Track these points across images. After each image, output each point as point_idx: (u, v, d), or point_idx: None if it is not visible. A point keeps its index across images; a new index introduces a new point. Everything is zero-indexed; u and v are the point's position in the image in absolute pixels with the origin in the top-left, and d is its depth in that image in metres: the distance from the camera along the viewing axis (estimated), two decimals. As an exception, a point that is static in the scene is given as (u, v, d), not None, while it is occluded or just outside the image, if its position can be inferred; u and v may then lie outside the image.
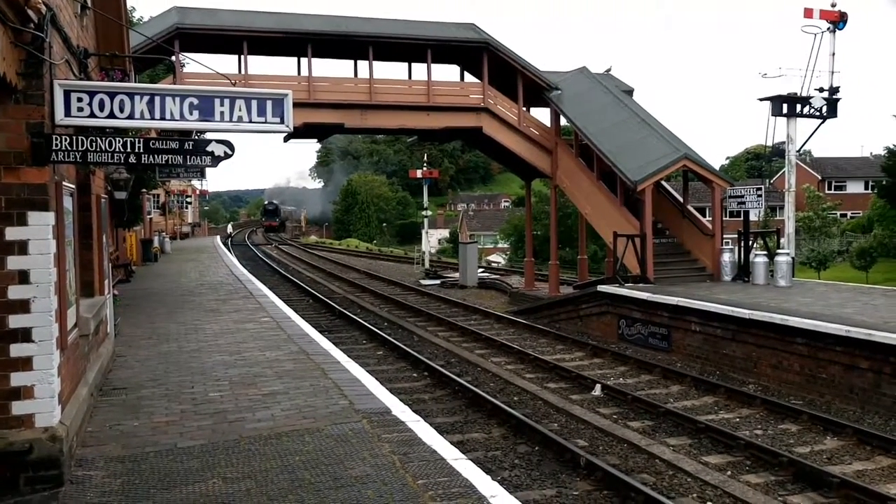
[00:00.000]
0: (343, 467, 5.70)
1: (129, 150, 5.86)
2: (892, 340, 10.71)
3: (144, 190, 26.16)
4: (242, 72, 20.47)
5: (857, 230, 48.65)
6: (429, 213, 42.11)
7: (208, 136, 7.84)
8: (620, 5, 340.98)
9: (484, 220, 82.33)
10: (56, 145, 5.47)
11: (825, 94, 20.16)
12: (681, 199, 20.86)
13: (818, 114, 20.19)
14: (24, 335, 5.31)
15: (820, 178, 60.54)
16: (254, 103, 6.13)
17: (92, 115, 5.73)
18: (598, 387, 12.66)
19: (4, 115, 5.28)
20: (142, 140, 5.94)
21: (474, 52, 22.89)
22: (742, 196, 18.65)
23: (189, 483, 5.44)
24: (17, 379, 5.30)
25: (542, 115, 24.63)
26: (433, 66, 22.40)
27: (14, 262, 5.28)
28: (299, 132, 22.03)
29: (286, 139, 24.29)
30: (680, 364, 14.72)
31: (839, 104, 20.47)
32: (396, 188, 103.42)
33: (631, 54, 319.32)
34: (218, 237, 59.66)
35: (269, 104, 6.17)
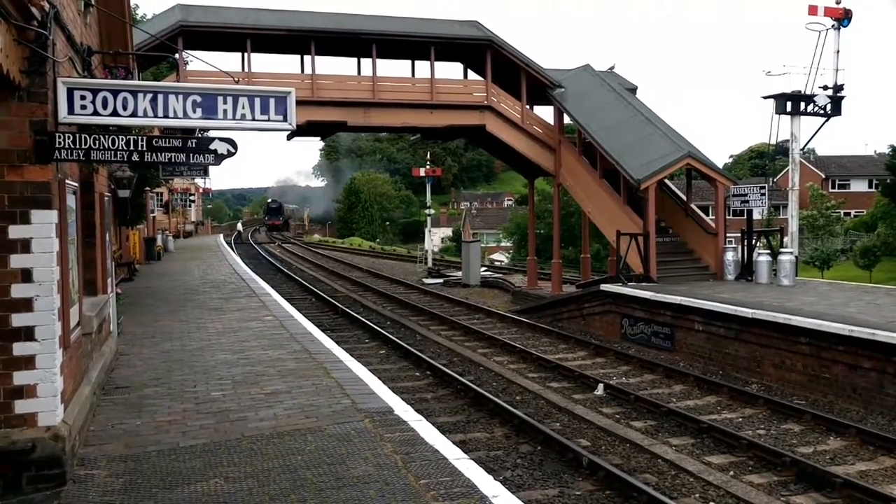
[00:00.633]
0: (345, 467, 5.70)
1: (132, 148, 5.85)
2: (895, 340, 10.67)
3: (148, 188, 26.18)
4: (246, 69, 20.48)
5: (860, 229, 48.52)
6: (432, 211, 42.10)
7: (211, 134, 7.83)
8: (622, 4, 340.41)
9: (487, 219, 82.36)
10: (59, 143, 5.46)
11: (829, 92, 20.08)
12: (684, 198, 20.82)
13: (822, 112, 20.10)
14: (27, 334, 5.31)
15: (824, 176, 60.37)
16: (257, 101, 6.12)
17: (95, 113, 5.73)
18: (600, 386, 12.65)
19: (8, 112, 5.27)
20: (145, 138, 5.93)
21: (478, 50, 22.87)
22: (746, 195, 18.60)
23: (191, 482, 5.44)
24: (20, 378, 5.31)
25: (545, 112, 24.63)
26: (437, 63, 22.38)
27: (17, 261, 5.28)
28: (302, 130, 22.04)
29: (289, 137, 24.30)
30: (683, 363, 14.69)
31: (843, 102, 20.40)
32: (400, 186, 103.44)
33: (633, 52, 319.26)
34: (221, 236, 59.70)
35: (272, 102, 6.16)
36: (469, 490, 5.24)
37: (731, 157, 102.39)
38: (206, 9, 21.09)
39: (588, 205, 22.11)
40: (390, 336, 16.96)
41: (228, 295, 17.26)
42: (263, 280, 21.75)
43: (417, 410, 7.81)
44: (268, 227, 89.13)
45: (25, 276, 5.30)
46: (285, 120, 6.21)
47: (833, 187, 59.66)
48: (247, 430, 6.62)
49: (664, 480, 8.62)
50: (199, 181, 54.72)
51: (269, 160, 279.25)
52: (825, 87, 20.15)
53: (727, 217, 19.54)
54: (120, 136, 5.83)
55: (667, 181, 20.64)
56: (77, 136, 5.59)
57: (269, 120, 6.17)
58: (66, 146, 5.51)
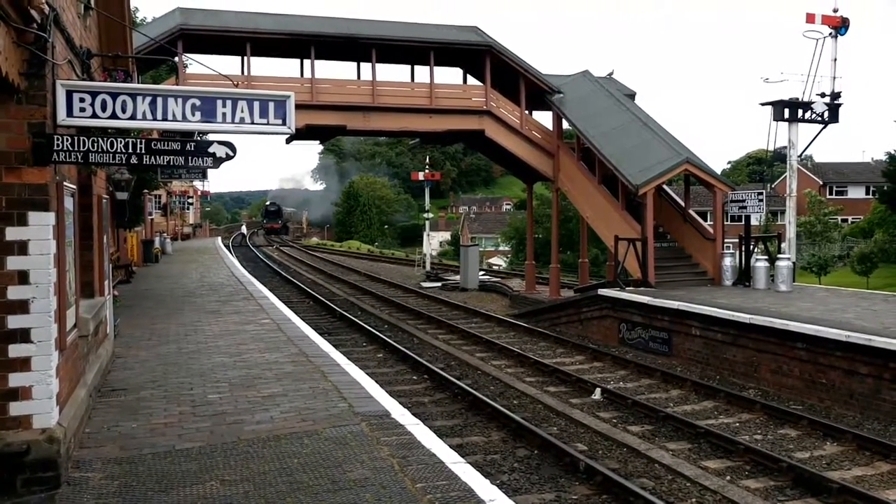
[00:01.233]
0: (341, 470, 5.69)
1: (130, 150, 5.86)
2: (892, 346, 10.69)
3: (146, 191, 26.20)
4: (245, 73, 20.50)
5: (857, 235, 48.60)
6: (430, 215, 42.09)
7: (210, 137, 7.84)
8: (619, 6, 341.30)
9: (485, 223, 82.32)
10: (57, 145, 5.47)
11: (827, 100, 20.14)
12: (682, 204, 20.85)
13: (820, 119, 20.16)
14: (23, 336, 5.30)
15: (821, 182, 60.50)
16: (256, 105, 6.13)
17: (94, 116, 5.73)
18: (597, 391, 12.65)
19: (6, 114, 5.28)
20: (143, 141, 5.94)
21: (477, 55, 22.91)
22: (743, 200, 18.65)
23: (187, 485, 5.43)
24: (16, 380, 5.30)
25: (544, 118, 24.67)
26: (436, 68, 22.42)
27: (14, 263, 5.28)
28: (301, 134, 22.05)
29: (288, 141, 24.29)
30: (680, 368, 14.70)
31: (840, 110, 20.46)
32: (398, 190, 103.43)
33: (630, 55, 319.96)
34: (219, 238, 59.64)
35: (271, 106, 6.17)
36: (466, 494, 5.24)
37: (729, 163, 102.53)
38: (206, 12, 21.12)
39: (586, 210, 22.13)
40: (388, 340, 16.96)
41: (226, 298, 17.25)
42: (261, 283, 21.73)
43: (414, 414, 7.81)
44: (266, 230, 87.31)
45: (22, 277, 5.30)
46: (284, 124, 6.22)
47: (830, 194, 59.77)
48: (243, 433, 6.61)
49: (661, 485, 8.62)
50: (197, 184, 54.75)
51: (268, 164, 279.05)
52: (822, 95, 20.21)
53: (725, 223, 19.56)
54: (118, 139, 5.83)
55: (665, 187, 20.67)
56: (75, 138, 5.60)
57: (268, 123, 6.18)
58: (65, 148, 5.51)
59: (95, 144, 5.70)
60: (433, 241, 54.46)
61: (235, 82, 8.58)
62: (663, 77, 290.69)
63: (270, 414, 7.23)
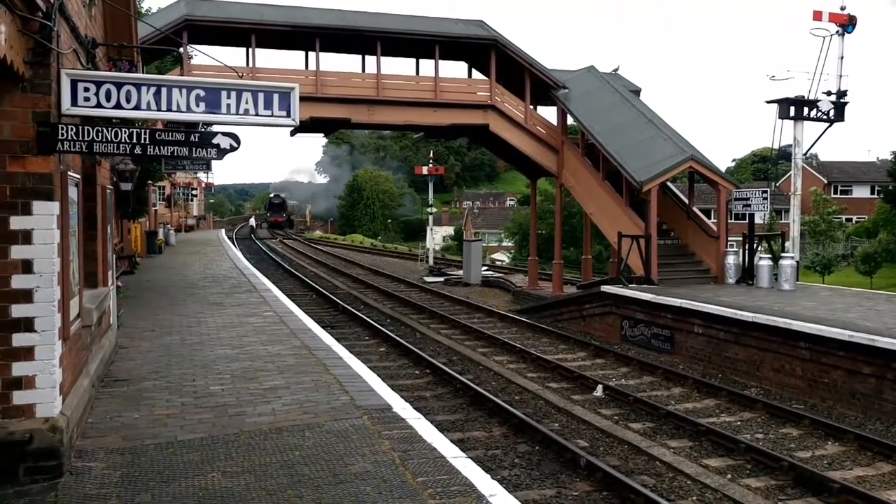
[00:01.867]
0: (343, 463, 5.69)
1: (134, 141, 5.84)
2: (894, 346, 10.66)
3: (150, 181, 26.19)
4: (250, 65, 20.48)
5: (862, 235, 48.49)
6: (434, 210, 42.09)
7: (215, 128, 7.83)
8: (621, 4, 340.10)
9: (489, 219, 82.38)
10: (62, 135, 5.45)
11: (832, 98, 20.06)
12: (686, 201, 20.80)
13: (825, 117, 20.08)
14: (27, 325, 5.31)
15: (826, 181, 60.35)
16: (260, 96, 6.11)
17: (98, 106, 5.72)
18: (599, 387, 12.64)
19: (11, 103, 5.27)
20: (148, 131, 5.93)
21: (482, 50, 22.86)
22: (748, 199, 18.59)
23: (188, 476, 5.44)
24: (19, 369, 5.30)
25: (548, 113, 24.59)
26: (441, 62, 22.38)
27: (18, 252, 5.28)
28: (306, 126, 22.04)
29: (293, 133, 24.31)
30: (682, 366, 14.69)
31: (846, 108, 20.37)
32: (402, 184, 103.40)
33: (633, 53, 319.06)
34: (223, 230, 59.68)
35: (275, 97, 6.15)
36: (466, 489, 5.24)
37: (733, 160, 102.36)
38: (211, 3, 21.10)
39: (590, 206, 22.09)
40: (390, 334, 16.96)
41: (229, 290, 17.26)
42: (264, 276, 21.75)
43: (416, 408, 7.81)
44: (269, 224, 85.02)
45: (26, 267, 5.30)
46: (288, 116, 6.20)
47: (835, 193, 59.64)
48: (245, 425, 6.62)
49: (662, 482, 8.61)
50: (201, 175, 54.79)
51: (272, 156, 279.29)
52: (828, 93, 20.13)
53: (729, 221, 19.53)
54: (123, 129, 5.82)
55: (669, 184, 20.61)
56: (80, 127, 5.58)
57: (272, 115, 6.15)
58: (69, 138, 5.50)
59: (100, 134, 5.69)
60: (436, 236, 54.46)
61: (240, 74, 8.56)
62: (667, 76, 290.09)
63: (272, 406, 7.24)
